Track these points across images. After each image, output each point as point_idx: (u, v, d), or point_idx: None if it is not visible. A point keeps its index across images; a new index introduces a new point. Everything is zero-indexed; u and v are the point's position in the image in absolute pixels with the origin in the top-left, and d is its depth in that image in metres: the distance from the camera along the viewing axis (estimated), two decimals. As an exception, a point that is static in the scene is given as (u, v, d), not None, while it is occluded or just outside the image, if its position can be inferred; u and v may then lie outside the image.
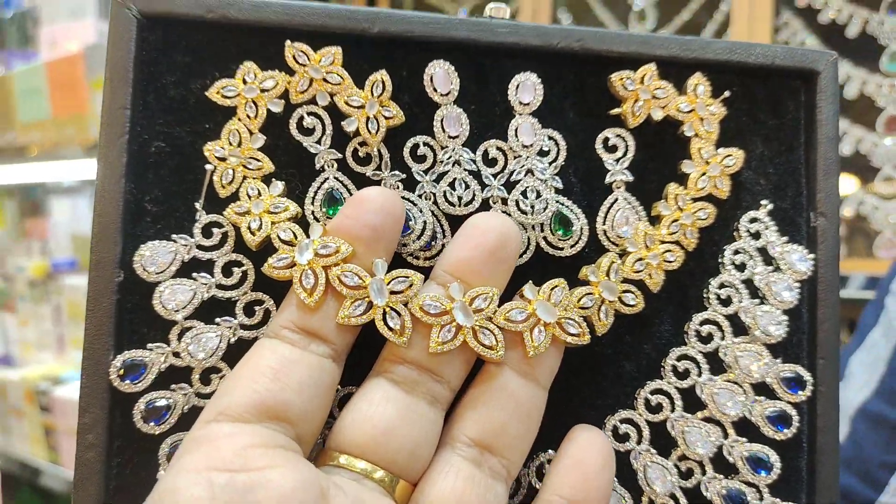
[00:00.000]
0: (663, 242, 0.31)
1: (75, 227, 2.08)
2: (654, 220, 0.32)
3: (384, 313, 0.27)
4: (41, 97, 1.59)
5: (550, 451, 0.31)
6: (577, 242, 0.31)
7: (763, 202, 0.33)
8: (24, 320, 1.93)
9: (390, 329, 0.27)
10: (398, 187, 0.30)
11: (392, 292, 0.27)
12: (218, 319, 0.29)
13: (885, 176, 1.01)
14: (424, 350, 0.27)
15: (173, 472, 0.23)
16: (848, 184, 1.04)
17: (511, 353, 0.28)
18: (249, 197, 0.29)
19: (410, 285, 0.27)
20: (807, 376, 0.32)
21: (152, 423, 0.28)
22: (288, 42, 0.30)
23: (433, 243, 0.30)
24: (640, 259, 0.31)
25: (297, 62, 0.30)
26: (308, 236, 0.28)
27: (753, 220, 0.33)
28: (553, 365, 0.29)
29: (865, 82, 1.02)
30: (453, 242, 0.28)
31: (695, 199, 0.32)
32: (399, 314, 0.27)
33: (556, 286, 0.28)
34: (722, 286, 0.32)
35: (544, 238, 0.31)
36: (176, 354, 0.29)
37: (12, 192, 2.24)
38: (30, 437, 1.77)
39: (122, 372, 0.28)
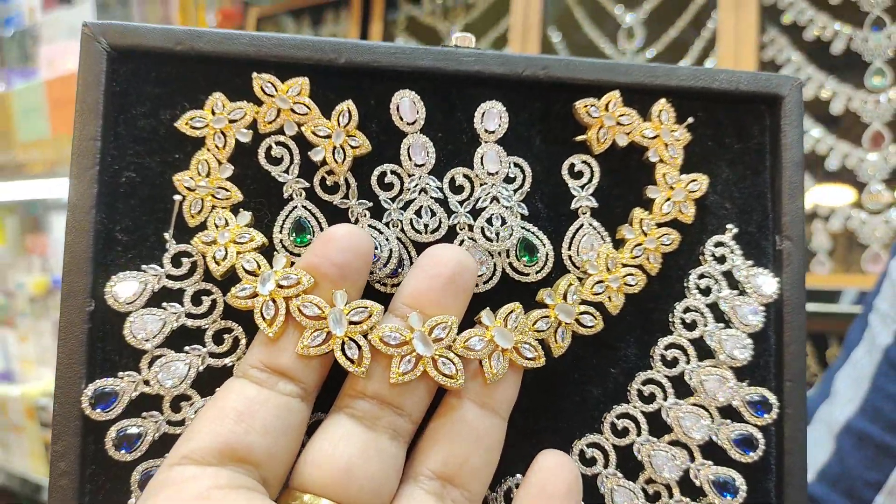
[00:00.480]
0: (625, 266, 0.31)
1: (76, 243, 2.09)
2: (619, 244, 0.32)
3: (343, 344, 0.27)
4: (41, 116, 1.60)
5: (518, 475, 0.31)
6: (542, 268, 0.31)
7: (728, 226, 0.33)
8: (24, 336, 1.93)
9: (349, 360, 0.27)
10: (365, 215, 0.31)
11: (351, 322, 0.27)
12: (187, 348, 0.30)
13: (872, 190, 1.01)
14: (385, 382, 0.27)
15: None
16: (844, 194, 1.04)
17: (470, 384, 0.28)
18: (217, 227, 0.30)
19: (369, 316, 0.27)
20: (773, 399, 0.32)
21: (123, 451, 0.29)
22: (255, 74, 0.30)
23: (400, 270, 0.31)
24: (601, 282, 0.31)
25: (265, 93, 0.30)
26: (272, 267, 0.28)
27: (719, 245, 0.33)
28: (511, 395, 0.29)
29: (851, 98, 1.03)
30: (411, 274, 0.28)
31: (659, 225, 0.32)
32: (358, 345, 0.27)
33: (512, 311, 0.29)
34: (687, 310, 0.32)
35: (510, 264, 0.31)
36: (146, 382, 0.29)
37: (13, 209, 2.25)
38: (30, 452, 1.77)
39: (93, 400, 0.29)
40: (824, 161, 1.05)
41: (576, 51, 1.28)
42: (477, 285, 0.31)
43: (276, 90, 0.30)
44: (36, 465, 1.77)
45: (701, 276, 0.33)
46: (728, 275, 0.33)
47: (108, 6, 1.72)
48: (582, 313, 0.30)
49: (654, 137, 0.33)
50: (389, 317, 0.28)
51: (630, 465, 0.32)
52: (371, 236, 0.29)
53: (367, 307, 0.27)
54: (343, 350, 0.27)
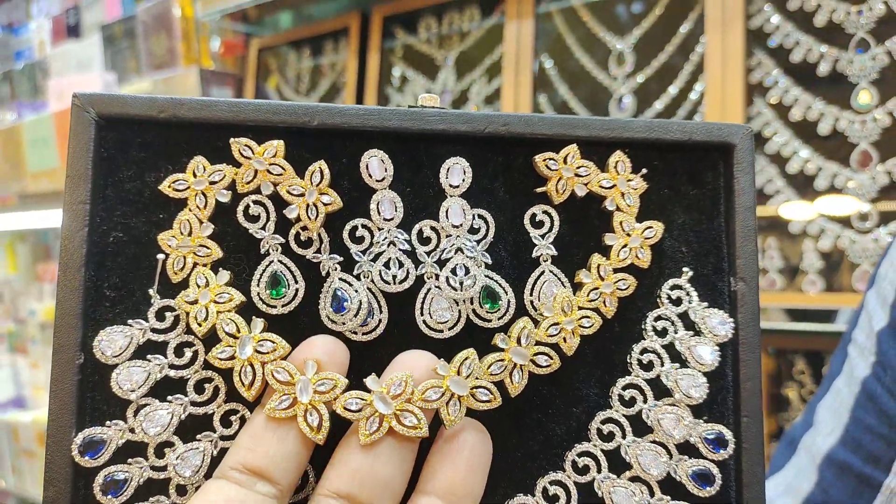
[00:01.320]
0: (581, 308, 0.33)
1: (85, 270, 2.12)
2: (577, 288, 0.34)
3: (306, 411, 0.29)
4: (49, 146, 1.64)
5: (484, 511, 0.33)
6: (504, 314, 0.33)
7: (685, 269, 0.35)
8: (35, 363, 1.96)
9: (309, 427, 0.29)
10: (336, 269, 0.33)
11: (316, 392, 0.29)
12: (170, 397, 0.31)
13: (861, 210, 1.02)
14: (353, 480, 0.29)
15: None
16: (833, 214, 1.05)
17: (436, 483, 0.29)
18: (198, 286, 0.32)
19: (334, 387, 0.29)
20: (728, 435, 0.33)
21: (110, 496, 0.31)
22: (233, 139, 0.32)
23: (369, 320, 0.33)
24: (556, 324, 0.33)
25: (243, 155, 0.33)
26: (250, 329, 0.30)
27: (675, 287, 0.35)
28: (477, 493, 0.30)
29: (838, 119, 1.04)
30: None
31: (617, 270, 0.34)
32: (319, 413, 0.29)
33: (467, 358, 0.31)
34: (644, 351, 0.34)
35: (473, 311, 0.33)
36: (132, 430, 0.31)
37: (24, 237, 2.30)
38: (40, 480, 1.80)
39: (82, 448, 0.31)
40: (813, 181, 1.07)
41: (568, 77, 1.30)
42: (442, 331, 0.33)
43: (253, 153, 0.33)
44: (47, 491, 1.79)
45: (658, 318, 0.34)
46: (684, 316, 0.35)
47: (114, 39, 1.76)
48: (536, 354, 0.32)
49: (612, 187, 0.34)
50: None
51: (593, 501, 0.33)
52: (345, 297, 0.32)
53: (332, 379, 0.29)
54: (305, 416, 0.29)
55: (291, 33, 1.73)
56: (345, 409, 0.29)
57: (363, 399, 0.29)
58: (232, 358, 0.30)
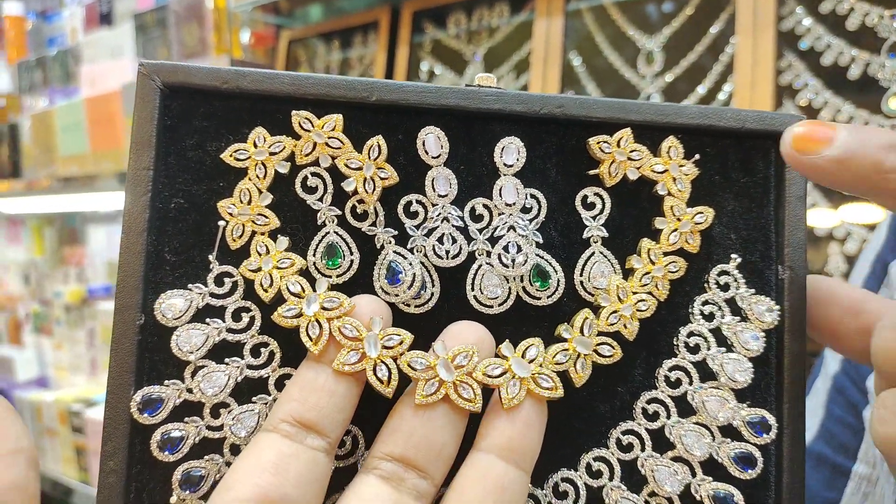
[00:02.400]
0: (636, 293, 0.34)
1: (111, 255, 2.15)
2: (628, 273, 0.34)
3: (375, 365, 0.30)
4: (80, 132, 1.66)
5: (530, 485, 0.33)
6: (553, 293, 0.34)
7: (733, 256, 0.35)
8: (59, 344, 1.99)
9: (379, 380, 0.30)
10: (390, 242, 0.34)
11: (384, 347, 0.30)
12: (227, 360, 0.32)
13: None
14: (409, 444, 0.29)
15: None
16: (860, 217, 1.05)
17: (494, 439, 0.30)
18: (259, 254, 0.32)
19: (401, 342, 0.30)
20: (771, 420, 0.34)
21: (167, 452, 0.31)
22: (294, 111, 0.33)
23: (422, 293, 0.33)
24: (615, 312, 0.33)
25: (302, 128, 0.33)
26: (314, 290, 0.31)
27: (723, 273, 0.35)
28: (535, 448, 0.30)
29: (868, 123, 1.04)
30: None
31: (666, 254, 0.34)
32: (388, 367, 0.30)
33: (531, 345, 0.31)
34: (691, 335, 0.34)
35: (523, 288, 0.34)
36: (189, 391, 0.32)
37: (52, 221, 2.33)
38: (62, 457, 1.82)
39: (141, 406, 0.31)
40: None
41: (596, 75, 1.30)
42: (492, 307, 0.34)
43: (313, 126, 0.33)
44: (67, 469, 1.82)
45: (705, 303, 0.35)
46: (731, 302, 0.35)
47: (146, 28, 1.78)
48: (599, 344, 0.33)
49: (664, 172, 0.35)
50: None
51: (634, 479, 0.34)
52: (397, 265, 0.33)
53: (399, 335, 0.30)
54: (374, 370, 0.30)
55: (321, 26, 1.74)
56: (409, 366, 0.30)
57: (427, 361, 0.30)
58: (298, 315, 0.30)
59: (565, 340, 0.32)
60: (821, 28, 1.10)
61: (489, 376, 0.30)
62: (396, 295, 0.33)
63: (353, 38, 1.67)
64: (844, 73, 1.07)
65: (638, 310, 0.34)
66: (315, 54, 1.75)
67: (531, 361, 0.31)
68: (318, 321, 0.30)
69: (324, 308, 0.30)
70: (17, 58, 2.37)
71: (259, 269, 0.32)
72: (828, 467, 0.57)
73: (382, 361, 0.30)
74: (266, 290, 0.32)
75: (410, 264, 0.33)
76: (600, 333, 0.33)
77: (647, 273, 0.34)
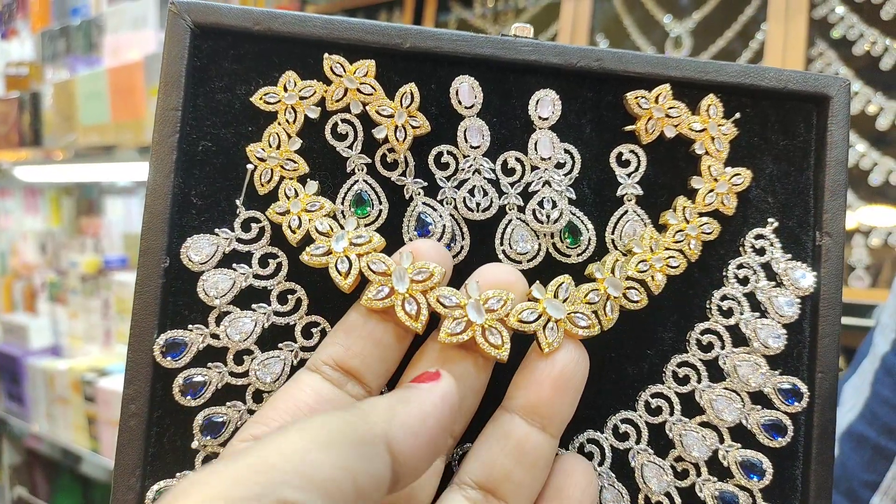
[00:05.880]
0: (668, 249, 0.33)
1: (127, 226, 2.16)
2: (661, 229, 0.34)
3: (403, 300, 0.29)
4: (102, 101, 1.66)
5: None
6: (584, 251, 0.33)
7: (770, 220, 0.34)
8: (74, 313, 2.01)
9: (407, 315, 0.29)
10: (420, 193, 0.33)
11: (413, 281, 0.29)
12: (254, 306, 0.32)
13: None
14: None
15: (209, 470, 0.25)
16: (886, 211, 1.03)
17: (520, 401, 0.29)
18: (288, 197, 0.32)
19: (430, 276, 0.29)
20: (803, 388, 0.33)
21: (189, 397, 0.31)
22: (326, 54, 0.32)
23: (452, 245, 0.33)
24: (644, 260, 0.32)
25: (334, 73, 0.33)
26: (343, 228, 0.30)
27: (759, 237, 0.34)
28: (566, 413, 0.29)
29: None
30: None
31: (701, 214, 0.34)
32: (416, 301, 0.29)
33: (562, 283, 0.30)
34: (724, 298, 0.34)
35: (553, 245, 0.33)
36: (214, 336, 0.31)
37: (70, 191, 2.34)
38: (73, 425, 1.84)
39: (164, 349, 0.31)
40: (868, 176, 1.04)
41: (625, 57, 1.29)
42: (521, 262, 0.33)
43: (345, 71, 0.33)
44: (78, 437, 1.83)
45: (740, 266, 0.34)
46: (766, 266, 0.34)
47: (170, -2, 1.78)
48: (629, 288, 0.32)
49: (702, 131, 0.34)
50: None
51: (661, 443, 0.33)
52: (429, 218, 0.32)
53: (428, 268, 0.29)
54: (403, 305, 0.29)
55: (346, 2, 1.73)
56: (439, 301, 0.29)
57: (458, 299, 0.29)
58: (327, 253, 0.30)
59: (595, 280, 0.31)
60: (854, 17, 1.08)
61: (524, 322, 0.29)
62: (425, 246, 0.32)
63: (378, 15, 1.66)
64: (877, 63, 1.05)
65: (668, 265, 0.33)
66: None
67: (564, 301, 0.30)
68: (347, 257, 0.30)
69: (353, 244, 0.30)
70: (40, 27, 2.37)
71: (287, 212, 0.31)
72: (869, 448, 0.56)
73: (411, 296, 0.29)
74: (294, 232, 0.31)
75: (440, 216, 0.33)
76: (629, 278, 0.32)
77: (681, 230, 0.33)
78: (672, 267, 0.33)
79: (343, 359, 0.29)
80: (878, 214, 1.04)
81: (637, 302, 0.32)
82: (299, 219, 0.31)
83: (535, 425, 0.29)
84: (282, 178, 0.32)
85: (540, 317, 0.29)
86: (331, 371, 0.28)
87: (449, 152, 0.33)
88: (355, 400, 0.28)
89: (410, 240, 0.32)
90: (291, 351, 0.32)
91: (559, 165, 0.34)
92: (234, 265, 0.32)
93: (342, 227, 0.31)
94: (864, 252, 1.04)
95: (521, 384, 0.29)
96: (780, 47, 1.11)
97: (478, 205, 0.33)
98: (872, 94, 1.05)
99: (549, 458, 0.29)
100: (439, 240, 0.32)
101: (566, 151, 0.34)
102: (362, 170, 0.33)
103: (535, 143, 0.33)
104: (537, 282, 0.30)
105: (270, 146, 0.32)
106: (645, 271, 0.32)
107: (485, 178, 0.33)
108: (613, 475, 0.32)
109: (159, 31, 1.75)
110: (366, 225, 0.32)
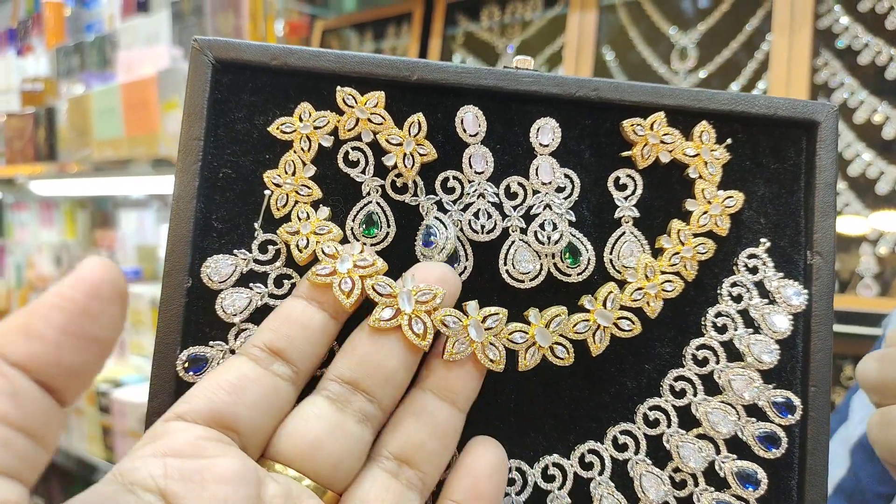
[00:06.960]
0: (664, 273, 0.35)
1: (141, 239, 2.19)
2: (657, 253, 0.35)
3: (410, 320, 0.31)
4: (116, 116, 1.69)
5: (556, 454, 0.34)
6: (584, 270, 0.35)
7: (762, 240, 0.36)
8: (89, 325, 2.03)
9: (415, 334, 0.31)
10: (434, 208, 0.35)
11: (418, 302, 0.31)
12: (269, 324, 0.34)
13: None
14: (360, 368, 0.31)
15: (133, 456, 0.27)
16: (893, 219, 1.04)
17: (433, 379, 0.32)
18: (300, 219, 0.34)
19: (434, 297, 0.31)
20: (796, 401, 0.34)
21: (209, 411, 0.33)
22: (339, 87, 0.34)
23: (456, 265, 0.34)
24: (640, 289, 0.34)
25: (346, 104, 0.35)
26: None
27: (752, 256, 0.36)
28: (471, 390, 0.32)
29: (904, 124, 1.03)
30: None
31: (696, 235, 0.35)
32: (422, 320, 0.31)
33: (557, 315, 0.33)
34: (719, 315, 0.35)
35: (555, 265, 0.35)
36: (233, 351, 0.33)
37: (85, 204, 2.37)
38: (88, 435, 1.86)
39: (187, 364, 0.33)
40: (874, 185, 1.05)
41: (629, 70, 1.31)
42: (523, 282, 0.35)
43: (356, 102, 0.34)
44: (93, 448, 1.86)
45: (734, 285, 0.35)
46: (759, 285, 0.36)
47: (182, 15, 1.81)
48: (620, 318, 0.34)
49: (695, 156, 0.36)
50: None
51: (659, 454, 0.34)
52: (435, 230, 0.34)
53: (432, 290, 0.31)
54: (410, 325, 0.31)
55: (355, 16, 1.76)
56: (442, 323, 0.31)
57: (461, 321, 0.31)
58: (332, 273, 0.32)
59: (587, 311, 0.33)
60: (859, 27, 1.09)
61: (513, 342, 0.32)
62: (430, 258, 0.34)
63: (387, 29, 1.69)
64: (882, 73, 1.06)
65: (664, 290, 0.34)
66: (348, 44, 1.77)
67: (553, 332, 0.33)
68: (350, 278, 0.31)
69: (357, 266, 0.32)
70: (55, 43, 2.42)
71: (297, 232, 0.33)
72: (881, 461, 0.57)
73: (417, 316, 0.31)
74: (301, 251, 0.33)
75: (446, 227, 0.34)
76: (623, 308, 0.34)
77: (677, 253, 0.35)
78: (668, 291, 0.34)
79: (269, 340, 0.30)
80: (885, 223, 1.05)
81: (629, 331, 0.34)
82: (307, 240, 0.33)
83: (445, 401, 0.32)
84: (296, 203, 0.34)
85: (527, 340, 0.33)
86: (258, 352, 0.30)
87: (455, 177, 0.35)
88: (281, 380, 0.30)
89: (421, 253, 0.34)
90: (306, 367, 0.33)
91: (559, 189, 0.35)
92: (251, 284, 0.34)
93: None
94: (871, 260, 1.05)
95: (431, 366, 0.32)
96: (784, 58, 1.13)
97: (482, 227, 0.35)
98: (878, 104, 1.06)
99: (458, 430, 0.32)
100: (440, 251, 0.34)
101: (566, 176, 0.35)
102: (377, 192, 0.35)
103: (537, 169, 0.35)
104: (535, 309, 0.33)
105: (286, 173, 0.34)
106: (639, 299, 0.34)
107: (489, 201, 0.35)
108: (613, 485, 0.34)
109: (172, 46, 1.78)
110: (373, 245, 0.34)
